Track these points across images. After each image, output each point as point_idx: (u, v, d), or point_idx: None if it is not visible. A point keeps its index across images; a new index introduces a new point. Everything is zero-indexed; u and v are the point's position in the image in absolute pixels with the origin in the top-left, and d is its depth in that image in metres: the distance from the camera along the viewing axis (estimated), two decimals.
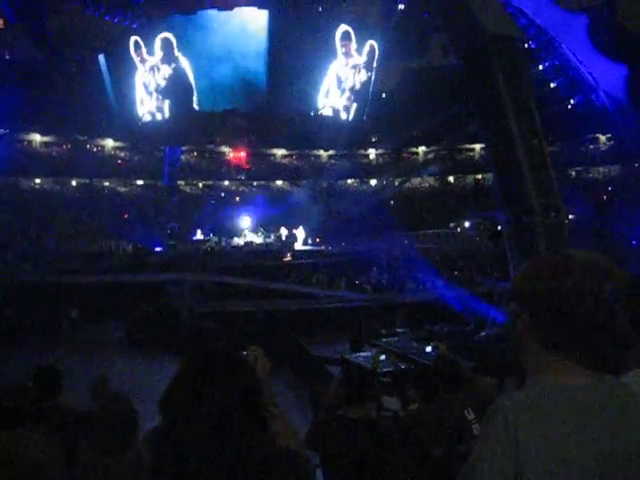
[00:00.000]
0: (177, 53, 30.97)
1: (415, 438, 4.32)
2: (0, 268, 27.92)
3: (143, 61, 31.19)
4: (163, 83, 31.60)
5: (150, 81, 31.85)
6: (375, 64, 32.23)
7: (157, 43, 30.83)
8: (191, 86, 31.64)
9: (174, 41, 30.74)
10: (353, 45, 31.57)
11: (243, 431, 1.57)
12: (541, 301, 1.59)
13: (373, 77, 32.40)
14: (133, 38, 30.81)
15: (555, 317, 1.57)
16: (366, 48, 31.72)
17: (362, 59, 32.01)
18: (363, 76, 32.52)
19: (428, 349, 10.78)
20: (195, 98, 32.03)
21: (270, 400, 2.20)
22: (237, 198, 49.76)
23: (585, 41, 37.27)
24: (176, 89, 31.64)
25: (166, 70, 31.25)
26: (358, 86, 32.51)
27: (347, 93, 32.60)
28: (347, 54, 31.74)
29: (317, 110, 33.04)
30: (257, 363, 2.28)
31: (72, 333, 23.20)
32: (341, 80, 32.30)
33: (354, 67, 32.28)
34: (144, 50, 30.92)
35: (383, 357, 12.49)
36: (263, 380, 1.96)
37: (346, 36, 31.34)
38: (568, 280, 1.57)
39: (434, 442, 4.27)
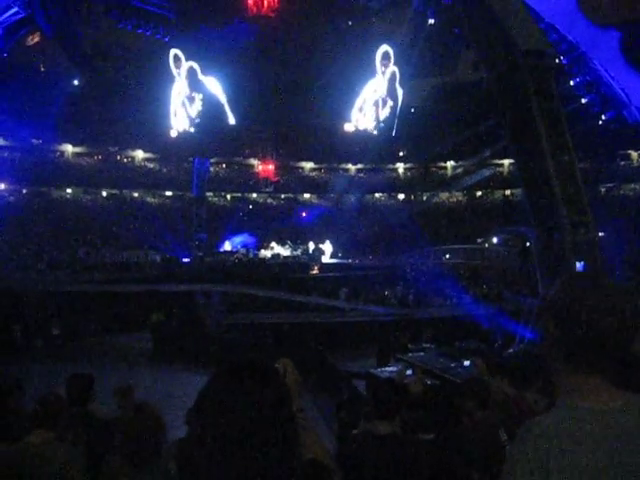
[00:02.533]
0: (201, 77, 31.43)
1: (446, 458, 4.26)
2: (31, 277, 28.30)
3: (182, 74, 31.70)
4: (196, 112, 32.20)
5: (184, 109, 32.48)
6: (397, 86, 32.28)
7: (183, 73, 31.42)
8: (222, 106, 32.06)
9: (197, 67, 31.26)
10: (389, 70, 31.70)
11: (273, 443, 1.56)
12: (572, 320, 1.57)
13: (400, 95, 32.41)
14: (173, 51, 31.26)
15: (586, 336, 1.55)
16: (388, 74, 31.86)
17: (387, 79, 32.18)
18: (387, 102, 32.63)
19: (466, 363, 10.66)
20: (228, 112, 32.42)
21: (299, 412, 2.19)
22: (265, 210, 50.01)
23: (617, 57, 36.92)
24: (209, 112, 32.14)
25: (197, 99, 31.87)
26: (386, 104, 32.55)
27: (380, 109, 32.66)
28: (385, 73, 31.89)
29: (350, 124, 33.18)
30: (287, 375, 2.28)
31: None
32: (377, 97, 32.41)
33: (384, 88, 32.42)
34: (183, 62, 31.37)
35: (409, 372, 12.39)
36: (292, 392, 1.95)
37: (386, 56, 31.48)
38: (600, 301, 1.55)
39: (466, 463, 4.21)
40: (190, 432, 1.63)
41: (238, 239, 42.09)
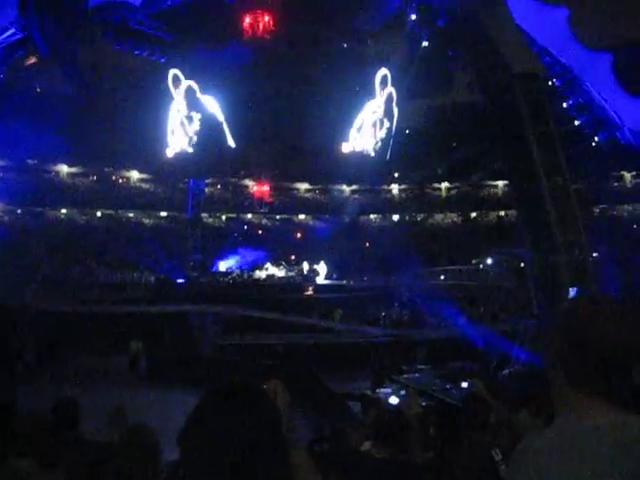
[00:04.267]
0: (199, 95, 31.58)
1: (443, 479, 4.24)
2: (24, 296, 28.19)
3: (180, 94, 31.85)
4: (194, 131, 32.33)
5: (182, 129, 32.59)
6: (394, 106, 32.53)
7: (181, 93, 31.59)
8: (220, 125, 32.21)
9: (196, 86, 31.44)
10: (386, 91, 31.97)
11: (264, 465, 1.55)
12: (578, 341, 1.58)
13: (394, 120, 32.65)
14: (172, 71, 31.43)
15: (585, 357, 1.56)
16: (384, 95, 32.12)
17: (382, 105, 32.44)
18: (384, 123, 32.88)
19: (464, 385, 10.62)
20: (227, 134, 32.58)
21: (291, 434, 2.18)
22: (260, 231, 50.02)
23: (610, 79, 37.23)
24: (208, 132, 32.28)
25: (195, 118, 32.02)
26: (383, 125, 32.79)
27: (376, 131, 32.90)
28: (383, 95, 32.18)
29: (348, 144, 33.38)
30: (277, 396, 2.27)
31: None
32: (375, 118, 32.66)
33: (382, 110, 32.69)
34: (183, 82, 31.54)
35: (402, 393, 12.36)
36: (283, 413, 1.94)
37: (385, 79, 31.77)
38: (599, 324, 1.56)
39: None
40: (180, 456, 1.62)
41: (248, 257, 41.94)
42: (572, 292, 18.04)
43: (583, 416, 1.55)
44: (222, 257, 42.10)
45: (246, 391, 1.67)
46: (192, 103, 31.95)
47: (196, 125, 32.27)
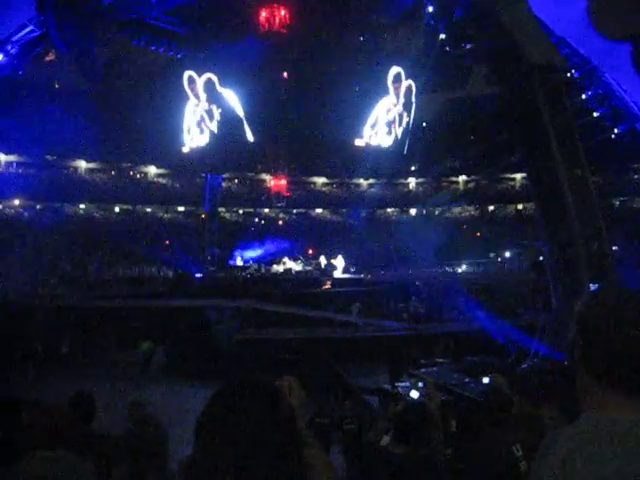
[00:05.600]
0: (219, 89, 31.50)
1: (462, 475, 4.18)
2: (43, 292, 28.42)
3: (197, 97, 31.77)
4: (215, 127, 32.21)
5: (202, 124, 32.48)
6: (414, 99, 32.34)
7: (200, 85, 31.48)
8: (241, 120, 32.15)
9: (215, 79, 31.34)
10: (403, 85, 31.78)
11: (277, 462, 1.52)
12: (597, 336, 1.54)
13: (412, 115, 32.49)
14: (187, 73, 31.41)
15: (609, 352, 1.52)
16: (403, 87, 31.90)
17: (402, 98, 32.19)
18: (403, 117, 32.67)
19: (485, 380, 10.51)
20: (247, 128, 32.53)
21: (305, 431, 2.14)
22: (277, 225, 50.11)
23: (629, 70, 36.65)
24: (228, 127, 32.23)
25: (216, 112, 31.89)
26: (401, 119, 32.62)
27: (391, 128, 32.72)
28: (397, 94, 31.94)
29: (361, 140, 33.20)
30: (291, 393, 2.23)
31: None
32: (389, 115, 32.47)
33: (399, 108, 32.48)
34: (198, 84, 31.50)
35: (421, 386, 12.28)
36: (297, 411, 1.91)
37: (397, 77, 31.58)
38: (624, 318, 1.52)
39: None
40: (193, 451, 1.59)
41: (265, 250, 42.07)
42: (592, 287, 17.87)
43: (608, 411, 1.52)
44: (239, 251, 42.19)
45: (259, 387, 1.64)
46: (212, 97, 31.84)
47: (217, 117, 32.13)
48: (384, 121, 32.64)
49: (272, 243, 42.69)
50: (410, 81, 31.74)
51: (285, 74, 32.90)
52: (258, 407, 1.56)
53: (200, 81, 31.35)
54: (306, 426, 2.31)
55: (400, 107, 32.19)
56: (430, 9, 28.99)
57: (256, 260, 41.06)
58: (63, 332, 23.86)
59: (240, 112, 32.09)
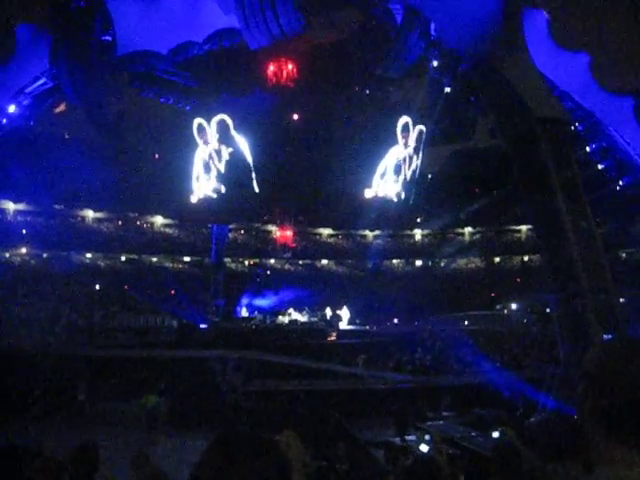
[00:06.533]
0: (233, 132, 31.81)
1: None
2: (48, 341, 28.33)
3: (206, 142, 32.05)
4: (223, 167, 32.33)
5: (210, 163, 32.64)
6: (421, 147, 32.63)
7: (213, 126, 31.76)
8: (249, 166, 32.38)
9: (230, 122, 31.64)
10: (412, 135, 32.09)
11: None
12: (613, 388, 1.51)
13: (420, 160, 32.75)
14: (197, 121, 31.76)
15: (626, 406, 1.49)
16: (415, 133, 32.18)
17: (411, 144, 32.44)
18: (413, 160, 32.91)
19: (495, 434, 10.35)
20: (254, 179, 32.70)
21: None
22: (282, 277, 50.03)
23: (632, 123, 37.23)
24: (235, 171, 32.43)
25: (225, 152, 32.06)
26: (408, 171, 32.85)
27: (399, 177, 32.92)
28: (405, 144, 32.25)
29: (371, 190, 33.37)
30: (290, 448, 2.21)
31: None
32: (399, 165, 32.70)
33: (408, 154, 32.73)
34: (208, 132, 31.83)
35: (427, 439, 12.11)
36: (295, 465, 1.89)
37: (406, 127, 31.93)
38: (632, 369, 1.49)
39: None
40: None
41: (271, 302, 41.98)
42: (605, 338, 17.75)
43: (622, 469, 1.48)
44: (244, 302, 42.11)
45: (253, 441, 1.62)
46: (224, 138, 32.02)
47: (225, 156, 32.16)
48: (393, 171, 32.88)
49: (278, 294, 42.60)
50: (421, 126, 32.01)
51: (295, 116, 33.28)
52: (252, 461, 1.54)
53: (212, 123, 31.60)
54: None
55: (410, 150, 32.39)
56: (435, 63, 29.48)
57: (261, 311, 40.93)
58: (67, 381, 23.67)
59: (249, 158, 32.31)
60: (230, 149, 31.94)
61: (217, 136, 31.80)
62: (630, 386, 1.48)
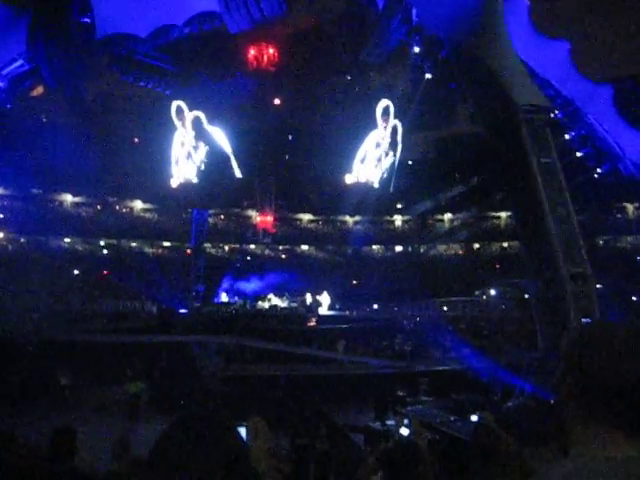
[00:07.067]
0: (207, 127, 31.70)
1: None
2: (26, 327, 28.10)
3: (184, 126, 31.88)
4: (201, 158, 32.28)
5: (190, 150, 32.54)
6: (399, 139, 32.63)
7: (188, 123, 31.67)
8: (227, 156, 32.31)
9: (203, 117, 31.55)
10: (390, 123, 32.07)
11: None
12: (591, 370, 1.54)
13: (399, 149, 32.77)
14: (175, 103, 31.56)
15: (604, 388, 1.51)
16: (390, 126, 32.22)
17: (390, 130, 32.47)
18: (391, 150, 32.94)
19: (474, 418, 10.45)
20: (234, 165, 32.64)
21: (272, 472, 2.13)
22: (262, 262, 49.98)
23: (611, 111, 37.49)
24: (215, 163, 32.38)
25: (202, 149, 32.03)
26: (388, 156, 32.87)
27: (380, 163, 32.96)
28: (385, 127, 32.26)
29: (351, 175, 33.37)
30: (257, 434, 2.23)
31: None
32: (380, 151, 32.73)
33: (387, 144, 32.76)
34: (186, 113, 31.65)
35: (406, 424, 12.21)
36: (263, 451, 1.90)
37: (386, 110, 31.91)
38: (609, 351, 1.52)
39: None
40: None
41: (250, 287, 41.90)
42: (583, 322, 17.94)
43: (597, 449, 1.50)
44: (225, 287, 42.03)
45: (211, 424, 1.62)
46: (199, 134, 32.05)
47: (202, 154, 32.27)
48: (373, 156, 32.89)
49: (258, 279, 42.54)
50: (396, 121, 32.07)
51: (276, 101, 33.18)
52: (208, 444, 1.54)
53: (188, 117, 31.53)
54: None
55: (387, 144, 32.45)
56: (416, 49, 29.47)
57: (242, 296, 40.88)
58: (46, 367, 23.50)
59: (228, 149, 32.25)
60: (207, 147, 31.95)
61: (193, 133, 31.75)
62: (607, 368, 1.51)
